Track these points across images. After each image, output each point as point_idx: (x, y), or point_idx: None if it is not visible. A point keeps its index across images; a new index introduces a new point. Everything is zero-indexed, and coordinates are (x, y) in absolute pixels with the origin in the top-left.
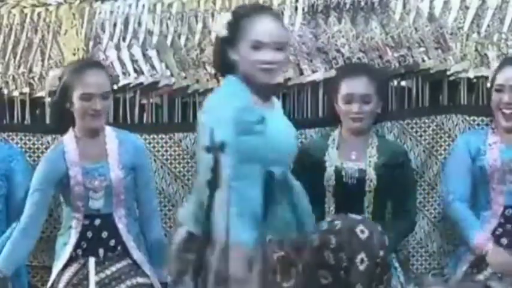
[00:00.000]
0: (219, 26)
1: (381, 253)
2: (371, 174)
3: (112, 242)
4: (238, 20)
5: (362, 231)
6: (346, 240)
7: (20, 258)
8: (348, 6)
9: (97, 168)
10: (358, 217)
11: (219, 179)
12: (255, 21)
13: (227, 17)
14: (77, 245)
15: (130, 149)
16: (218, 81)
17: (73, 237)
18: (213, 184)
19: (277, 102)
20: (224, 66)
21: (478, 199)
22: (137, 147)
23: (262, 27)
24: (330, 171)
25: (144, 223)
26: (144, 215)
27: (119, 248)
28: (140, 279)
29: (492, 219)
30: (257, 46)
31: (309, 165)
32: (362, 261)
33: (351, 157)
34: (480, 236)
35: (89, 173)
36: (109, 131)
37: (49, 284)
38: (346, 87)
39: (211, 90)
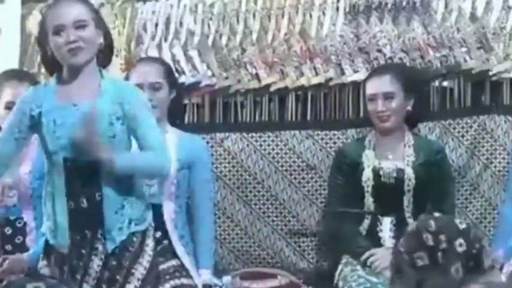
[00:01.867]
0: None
1: (477, 245)
2: (409, 173)
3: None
4: (44, 13)
5: (460, 223)
6: (445, 225)
7: None
8: (389, 6)
9: None
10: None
11: None
12: (51, 9)
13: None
14: None
15: (189, 145)
16: (259, 81)
17: None
18: None
19: (105, 89)
20: (48, 64)
21: None
22: (197, 145)
23: (59, 11)
24: (367, 171)
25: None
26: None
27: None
28: (185, 281)
29: None
30: (57, 31)
31: (346, 167)
32: (461, 245)
33: (387, 157)
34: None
35: None
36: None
37: None
38: (369, 87)
39: (252, 90)
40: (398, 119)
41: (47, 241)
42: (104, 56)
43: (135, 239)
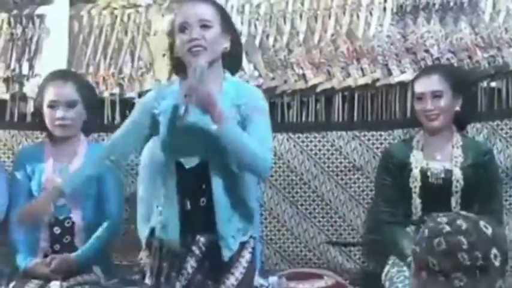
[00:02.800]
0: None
1: (506, 246)
2: (457, 174)
3: None
4: (175, 14)
5: (486, 227)
6: (477, 239)
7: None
8: (437, 6)
9: None
10: (470, 214)
11: None
12: (181, 8)
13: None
14: None
15: None
16: (306, 81)
17: None
18: None
19: (226, 91)
20: (174, 64)
21: None
22: None
23: (186, 9)
24: (415, 172)
25: None
26: None
27: None
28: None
29: None
30: (183, 28)
31: (393, 168)
32: (495, 256)
33: (435, 157)
34: None
35: None
36: None
37: None
38: (417, 86)
39: (299, 91)
40: (447, 119)
41: (151, 233)
42: (231, 61)
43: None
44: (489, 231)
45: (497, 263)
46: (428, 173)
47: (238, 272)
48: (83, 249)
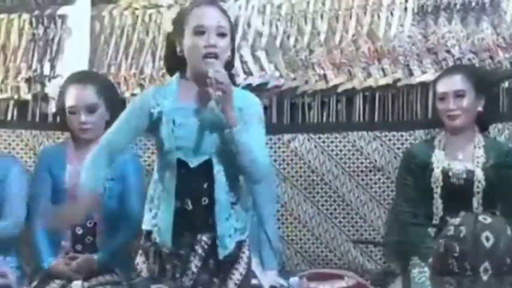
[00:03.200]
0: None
1: (508, 260)
2: (479, 175)
3: None
4: (183, 13)
5: (487, 239)
6: (470, 248)
7: None
8: (458, 6)
9: None
10: (488, 220)
11: None
12: (195, 9)
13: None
14: None
15: None
16: (327, 82)
17: None
18: None
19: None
20: (171, 62)
21: None
22: None
23: (204, 13)
24: (437, 172)
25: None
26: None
27: None
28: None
29: None
30: (198, 31)
31: (415, 168)
32: (486, 270)
33: (457, 157)
34: None
35: None
36: None
37: None
38: (440, 86)
39: (320, 91)
40: (469, 118)
41: (147, 238)
42: (229, 68)
43: (236, 246)
44: (489, 243)
45: (485, 277)
46: (450, 173)
47: (241, 268)
48: (104, 250)
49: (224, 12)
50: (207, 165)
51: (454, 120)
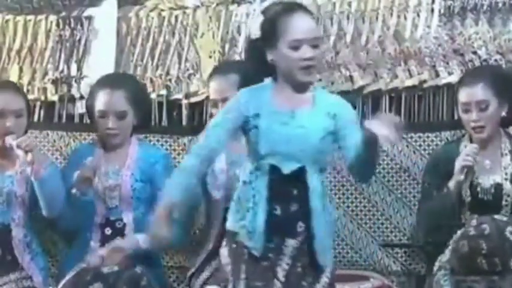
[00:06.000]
0: (254, 28)
1: None
2: (507, 188)
3: None
4: (274, 20)
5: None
6: (497, 245)
7: None
8: (485, 7)
9: None
10: (504, 218)
11: None
12: (289, 17)
13: (260, 18)
14: None
15: None
16: (353, 83)
17: None
18: None
19: (319, 101)
20: (262, 68)
21: None
22: None
23: (300, 25)
24: (465, 186)
25: None
26: None
27: None
28: None
29: None
30: (295, 46)
31: (443, 174)
32: None
33: (485, 166)
34: None
35: None
36: None
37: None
38: (462, 95)
39: (346, 92)
40: (493, 127)
41: (232, 239)
42: None
43: None
44: None
45: None
46: (478, 189)
47: (328, 271)
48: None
49: (313, 17)
50: (301, 172)
51: (479, 133)
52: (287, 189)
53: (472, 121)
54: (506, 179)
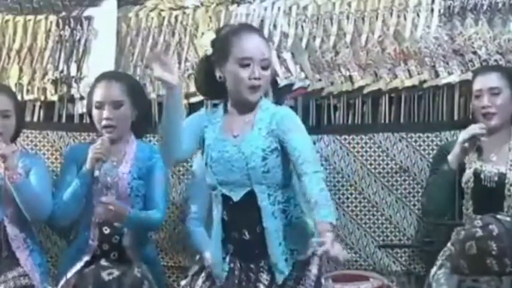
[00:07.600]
0: (205, 44)
1: None
2: (511, 178)
3: None
4: (224, 39)
5: None
6: (507, 244)
7: None
8: (485, 7)
9: None
10: (508, 218)
11: None
12: (239, 37)
13: (211, 35)
14: None
15: None
16: (353, 83)
17: None
18: None
19: (259, 121)
20: (211, 85)
21: None
22: None
23: (249, 44)
24: (469, 173)
25: None
26: None
27: None
28: None
29: None
30: (243, 64)
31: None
32: None
33: (491, 159)
34: None
35: None
36: None
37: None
38: (476, 83)
39: (345, 92)
40: (504, 117)
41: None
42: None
43: (298, 265)
44: None
45: None
46: (482, 176)
47: (308, 285)
48: (136, 211)
49: (266, 39)
50: (251, 196)
51: (489, 120)
52: (246, 213)
53: (482, 107)
54: (510, 170)
